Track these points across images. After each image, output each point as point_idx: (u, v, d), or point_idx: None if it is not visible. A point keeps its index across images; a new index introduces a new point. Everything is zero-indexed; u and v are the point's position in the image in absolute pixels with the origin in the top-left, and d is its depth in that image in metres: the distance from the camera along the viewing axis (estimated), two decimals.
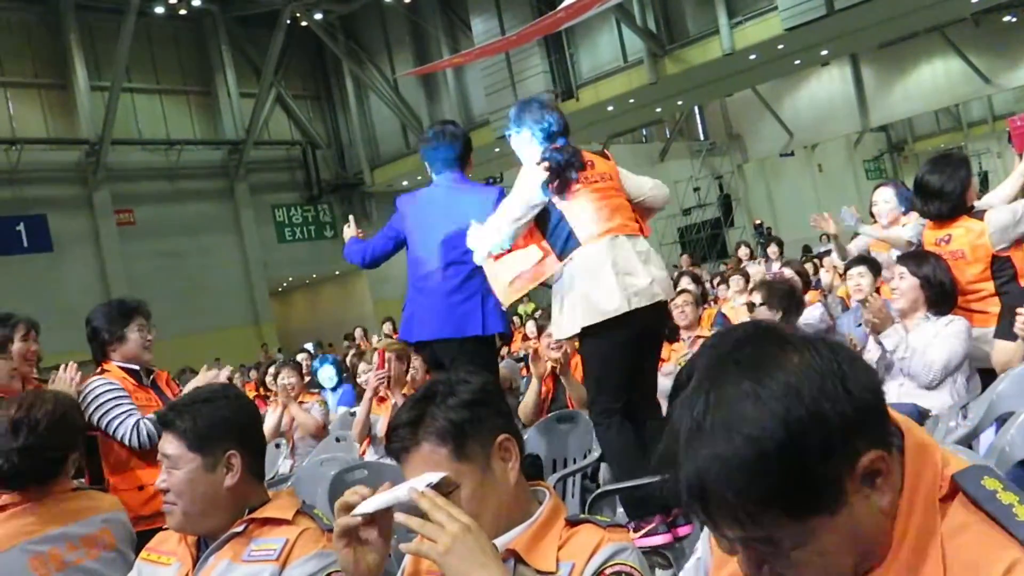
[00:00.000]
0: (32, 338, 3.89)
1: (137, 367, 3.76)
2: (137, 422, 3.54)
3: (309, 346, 18.39)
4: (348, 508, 1.51)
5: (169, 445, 2.03)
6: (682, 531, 3.59)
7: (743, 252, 12.38)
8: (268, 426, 6.19)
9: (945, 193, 3.95)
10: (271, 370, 7.76)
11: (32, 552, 2.44)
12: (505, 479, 1.58)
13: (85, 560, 2.53)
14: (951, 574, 0.98)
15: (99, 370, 3.73)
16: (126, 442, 3.53)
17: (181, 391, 4.55)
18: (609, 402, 3.66)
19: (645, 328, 3.66)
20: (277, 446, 6.24)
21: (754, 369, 0.98)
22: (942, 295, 3.74)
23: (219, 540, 2.01)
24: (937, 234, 4.04)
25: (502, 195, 3.90)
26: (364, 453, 5.12)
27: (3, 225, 19.93)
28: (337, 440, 5.64)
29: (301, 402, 6.36)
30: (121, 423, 3.54)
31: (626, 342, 3.63)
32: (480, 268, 3.87)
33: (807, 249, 20.42)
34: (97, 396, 3.58)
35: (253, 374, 12.51)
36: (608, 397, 3.66)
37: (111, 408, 3.55)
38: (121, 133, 21.62)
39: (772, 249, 11.88)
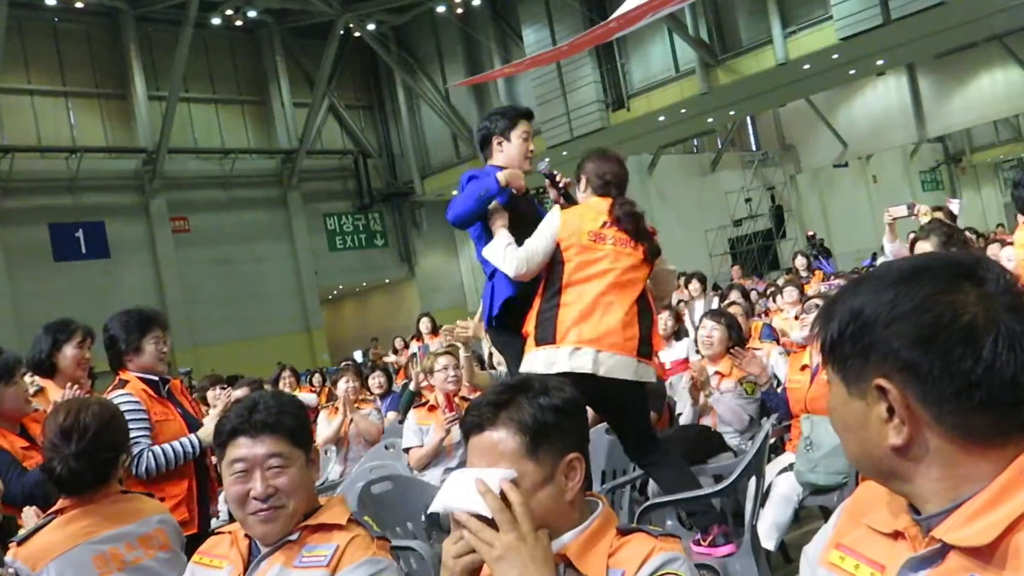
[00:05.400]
0: (87, 345, 3.95)
1: (155, 377, 3.70)
2: (140, 452, 3.44)
3: (357, 354, 18.53)
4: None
5: (276, 445, 1.99)
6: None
7: (800, 263, 12.31)
8: (327, 434, 6.23)
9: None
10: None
11: (94, 551, 2.49)
12: (562, 494, 1.56)
13: (144, 559, 2.57)
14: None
15: (117, 380, 3.67)
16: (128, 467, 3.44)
17: (197, 401, 4.59)
18: (657, 445, 3.75)
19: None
20: (326, 452, 6.27)
21: None
22: None
23: (272, 546, 2.01)
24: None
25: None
26: None
27: (63, 232, 20.44)
28: (386, 448, 5.66)
29: (359, 408, 6.40)
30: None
31: None
32: None
33: (875, 257, 20.11)
34: None
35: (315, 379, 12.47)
36: (656, 441, 3.76)
37: None
38: (177, 142, 22.03)
39: (800, 261, 12.19)
